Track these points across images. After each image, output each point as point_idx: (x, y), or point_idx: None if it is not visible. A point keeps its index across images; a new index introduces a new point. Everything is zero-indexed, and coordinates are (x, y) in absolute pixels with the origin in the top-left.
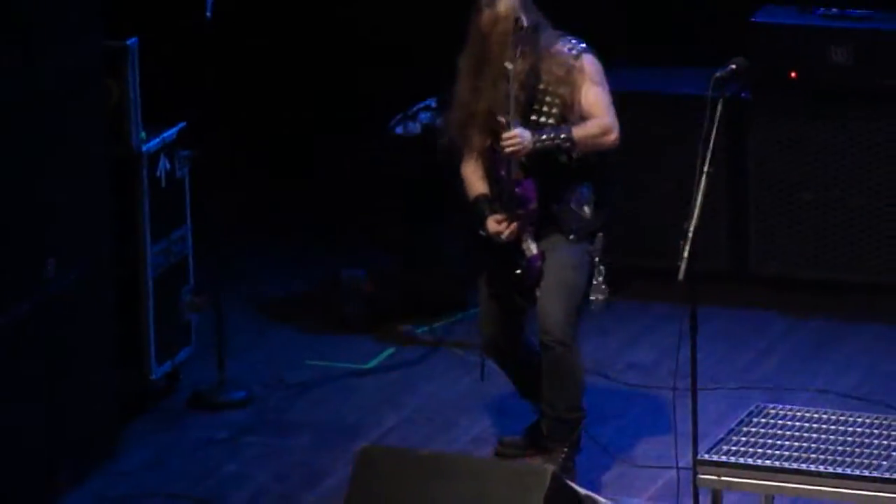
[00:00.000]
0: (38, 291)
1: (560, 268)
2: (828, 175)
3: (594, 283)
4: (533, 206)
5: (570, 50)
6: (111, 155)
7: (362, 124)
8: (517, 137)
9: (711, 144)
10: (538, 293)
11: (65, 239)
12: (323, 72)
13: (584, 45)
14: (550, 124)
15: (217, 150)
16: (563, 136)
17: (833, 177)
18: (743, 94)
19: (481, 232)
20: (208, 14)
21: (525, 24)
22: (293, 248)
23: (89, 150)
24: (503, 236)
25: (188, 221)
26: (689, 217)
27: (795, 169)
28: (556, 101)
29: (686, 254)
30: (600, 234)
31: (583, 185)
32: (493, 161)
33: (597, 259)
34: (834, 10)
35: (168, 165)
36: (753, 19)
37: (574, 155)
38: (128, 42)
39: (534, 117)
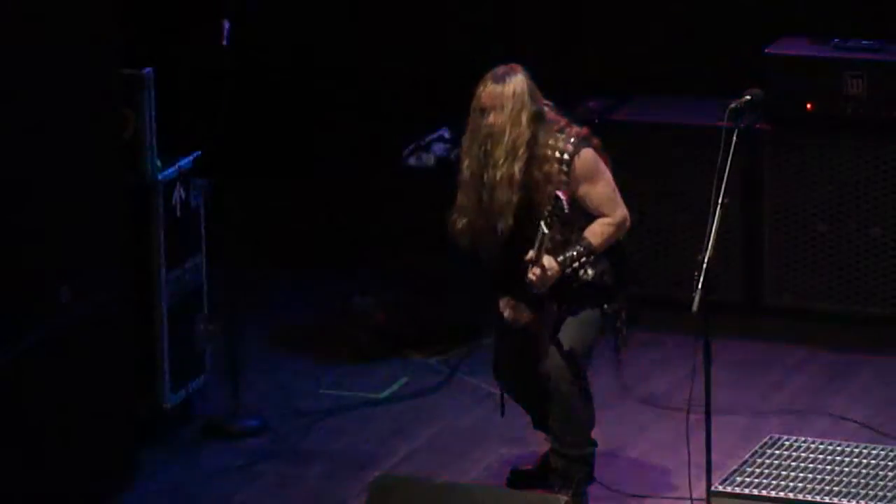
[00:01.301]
0: (52, 319)
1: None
2: (843, 207)
3: (616, 326)
4: (555, 307)
5: (560, 154)
6: (126, 183)
7: (375, 154)
8: (543, 272)
9: (726, 175)
10: None
11: (79, 267)
12: (338, 100)
13: (579, 138)
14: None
15: (231, 179)
16: (582, 250)
17: (848, 208)
18: (758, 125)
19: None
20: (225, 42)
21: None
22: (306, 276)
23: (105, 179)
24: (517, 324)
25: (203, 250)
26: (703, 248)
27: (810, 200)
28: (544, 199)
29: (700, 285)
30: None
31: (600, 259)
32: (511, 244)
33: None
34: (849, 41)
35: (183, 194)
36: (769, 50)
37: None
38: (144, 71)
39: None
